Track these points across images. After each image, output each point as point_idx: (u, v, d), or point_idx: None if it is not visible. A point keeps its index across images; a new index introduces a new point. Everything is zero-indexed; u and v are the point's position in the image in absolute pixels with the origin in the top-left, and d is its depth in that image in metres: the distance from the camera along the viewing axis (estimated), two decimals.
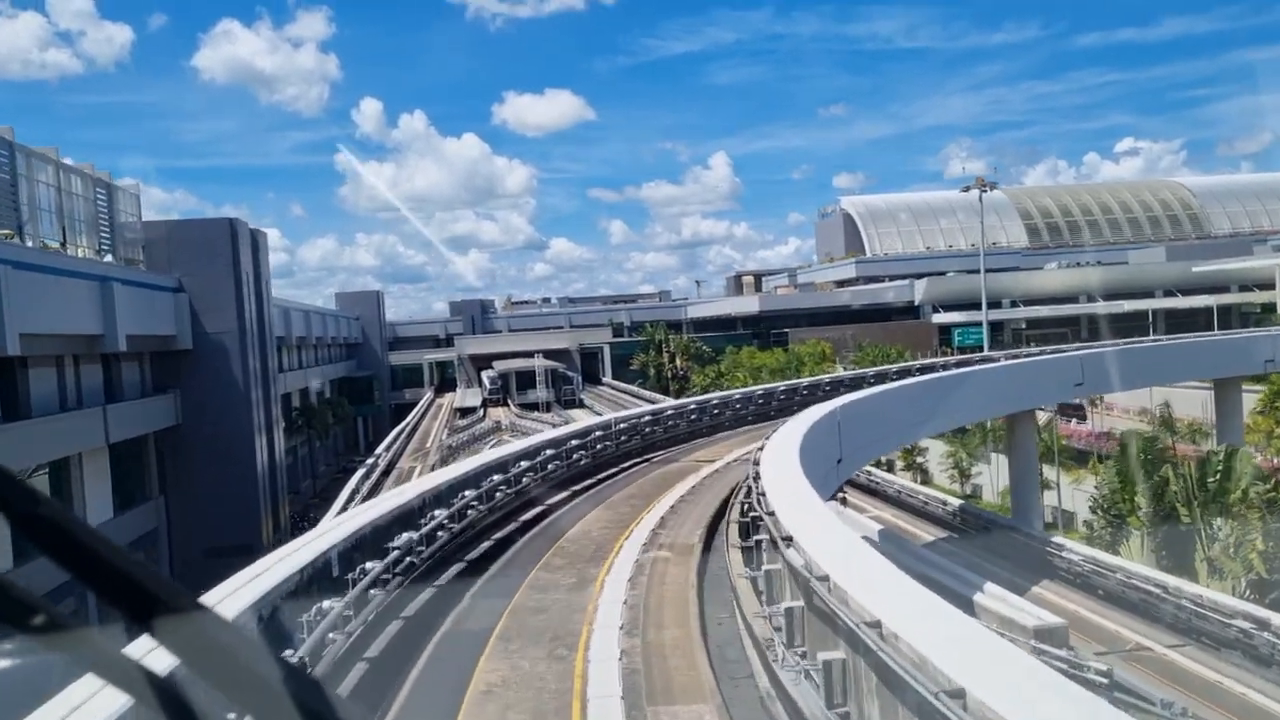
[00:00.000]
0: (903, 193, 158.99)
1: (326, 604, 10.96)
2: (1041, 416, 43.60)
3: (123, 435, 42.07)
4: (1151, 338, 70.71)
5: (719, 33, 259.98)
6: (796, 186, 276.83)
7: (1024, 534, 26.57)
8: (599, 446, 24.72)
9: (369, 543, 13.79)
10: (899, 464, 57.38)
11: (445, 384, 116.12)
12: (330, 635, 10.91)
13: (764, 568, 11.83)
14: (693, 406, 32.03)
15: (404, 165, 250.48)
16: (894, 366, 49.16)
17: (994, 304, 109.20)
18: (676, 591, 14.24)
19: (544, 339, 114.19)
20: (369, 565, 12.61)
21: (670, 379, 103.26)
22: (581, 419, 74.60)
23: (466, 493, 18.10)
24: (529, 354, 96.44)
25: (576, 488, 22.48)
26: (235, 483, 49.09)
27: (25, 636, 0.92)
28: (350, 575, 12.21)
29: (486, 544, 17.95)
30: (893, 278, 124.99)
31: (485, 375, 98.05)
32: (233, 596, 9.79)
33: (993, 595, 18.01)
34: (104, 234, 44.75)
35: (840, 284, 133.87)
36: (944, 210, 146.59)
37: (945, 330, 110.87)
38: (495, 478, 19.65)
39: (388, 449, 62.05)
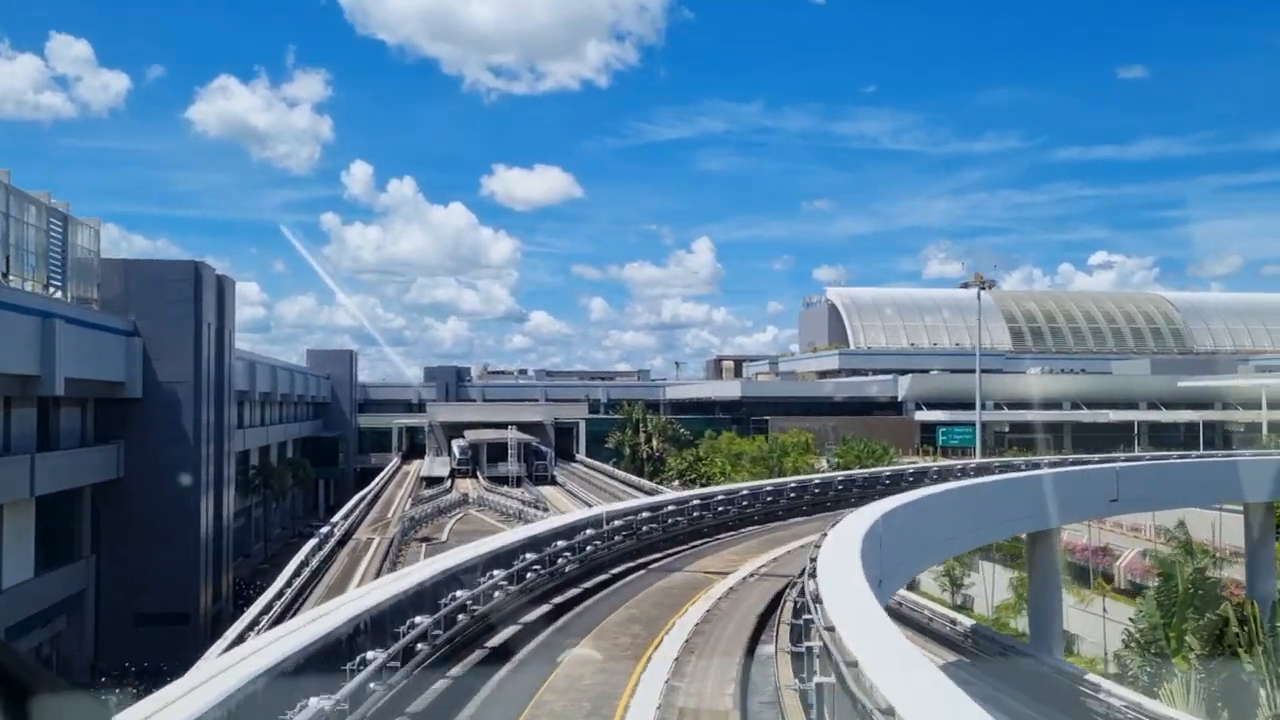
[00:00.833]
0: (888, 287, 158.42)
1: None
2: None
3: (53, 487, 38.50)
4: (1179, 453, 68.27)
5: (710, 122, 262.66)
6: (777, 276, 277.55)
7: (1049, 666, 23.52)
8: (589, 548, 21.18)
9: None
10: None
11: (414, 450, 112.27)
12: None
13: None
14: (695, 501, 28.68)
15: (390, 229, 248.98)
16: (886, 470, 46.19)
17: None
18: None
19: (518, 411, 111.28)
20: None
21: (646, 460, 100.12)
22: (560, 501, 71.54)
23: (418, 619, 13.10)
24: (502, 425, 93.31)
25: (559, 600, 18.35)
26: (176, 544, 45.45)
27: None
28: None
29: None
30: (876, 371, 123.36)
31: (455, 444, 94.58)
32: None
33: None
34: (54, 267, 41.63)
35: (823, 374, 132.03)
36: (929, 307, 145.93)
37: (928, 428, 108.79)
38: (458, 594, 14.80)
39: (345, 517, 58.27)
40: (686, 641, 15.01)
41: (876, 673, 8.14)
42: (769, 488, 33.68)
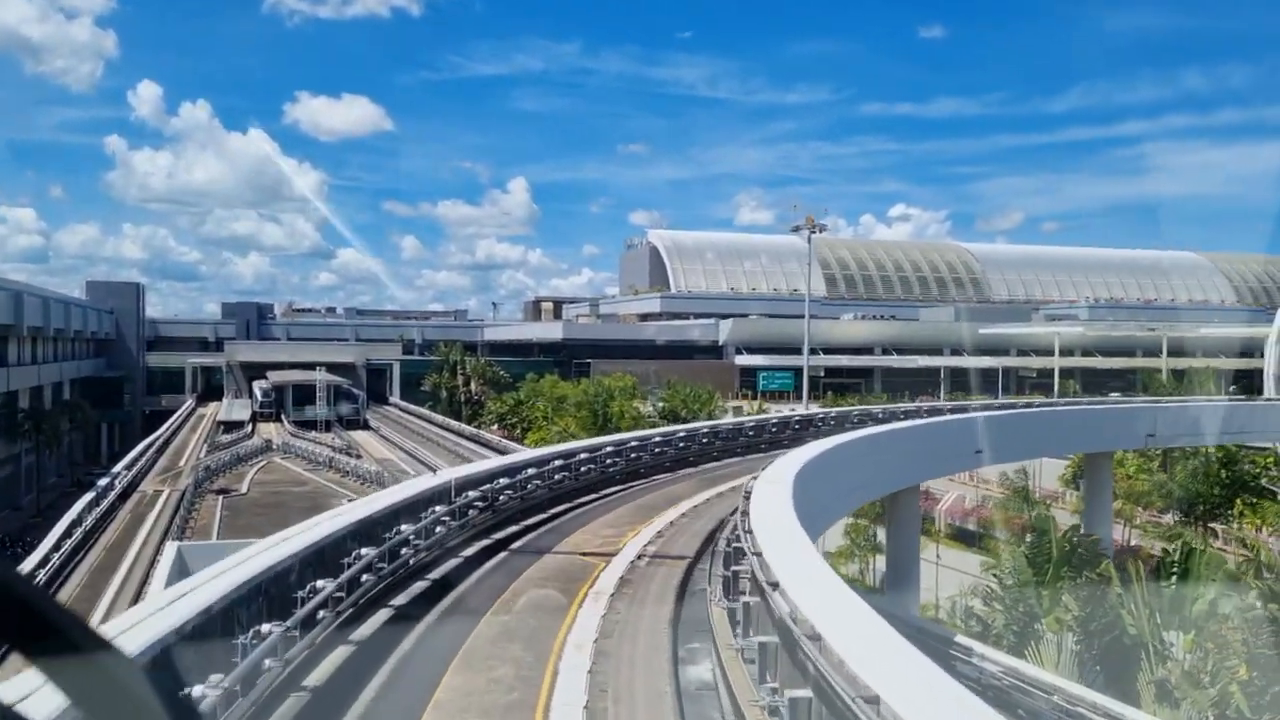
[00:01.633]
0: (709, 232, 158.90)
1: None
2: None
3: None
4: (1042, 401, 69.80)
5: (527, 60, 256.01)
6: (594, 219, 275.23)
7: (913, 626, 22.28)
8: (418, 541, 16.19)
9: None
10: None
11: (211, 392, 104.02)
12: None
13: None
14: (584, 455, 24.92)
15: (183, 155, 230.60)
16: (726, 421, 44.37)
17: (795, 350, 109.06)
18: None
19: (327, 351, 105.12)
20: None
21: (464, 403, 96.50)
22: (373, 447, 66.96)
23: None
24: (310, 366, 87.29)
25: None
26: None
27: None
28: None
29: None
30: (697, 315, 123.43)
31: (257, 386, 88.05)
32: None
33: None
34: None
35: (644, 317, 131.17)
36: (749, 252, 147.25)
37: (748, 372, 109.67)
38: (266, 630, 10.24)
39: (130, 467, 52.47)
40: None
41: None
42: (656, 437, 31.04)
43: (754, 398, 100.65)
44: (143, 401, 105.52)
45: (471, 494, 19.06)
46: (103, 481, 46.00)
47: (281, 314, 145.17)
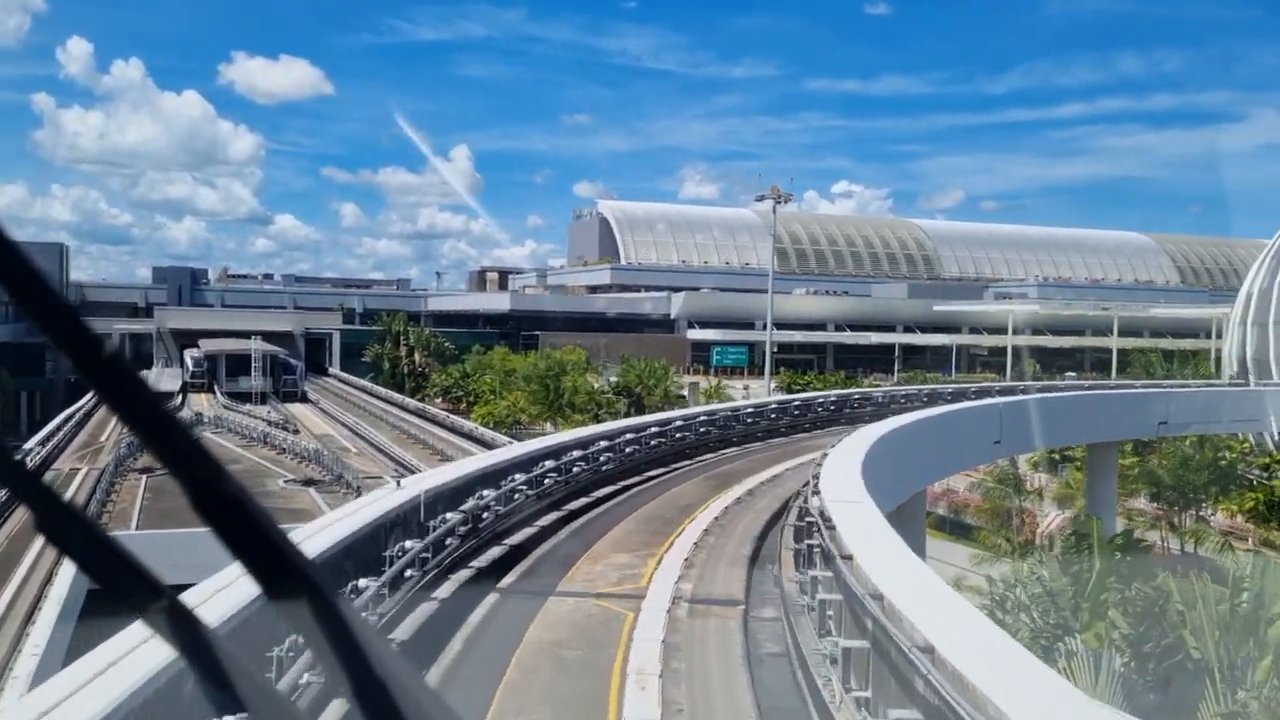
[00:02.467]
0: (660, 203, 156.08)
1: None
2: None
3: None
4: (1067, 385, 68.25)
5: (471, 25, 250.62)
6: (537, 189, 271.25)
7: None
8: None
9: None
10: None
11: (140, 360, 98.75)
12: None
13: None
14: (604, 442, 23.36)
15: (114, 115, 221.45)
16: (699, 409, 41.68)
17: (747, 324, 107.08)
18: None
19: (263, 319, 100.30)
20: None
21: (407, 375, 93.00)
22: (312, 421, 63.12)
23: None
24: (245, 334, 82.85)
25: None
26: None
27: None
28: None
29: None
30: (648, 288, 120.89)
31: (189, 355, 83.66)
32: None
33: None
34: None
35: (593, 289, 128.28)
36: (700, 225, 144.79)
37: (700, 347, 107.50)
38: None
39: (45, 441, 48.53)
40: None
41: None
42: (677, 420, 30.20)
43: (708, 373, 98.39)
44: (66, 370, 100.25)
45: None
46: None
47: (216, 280, 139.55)
